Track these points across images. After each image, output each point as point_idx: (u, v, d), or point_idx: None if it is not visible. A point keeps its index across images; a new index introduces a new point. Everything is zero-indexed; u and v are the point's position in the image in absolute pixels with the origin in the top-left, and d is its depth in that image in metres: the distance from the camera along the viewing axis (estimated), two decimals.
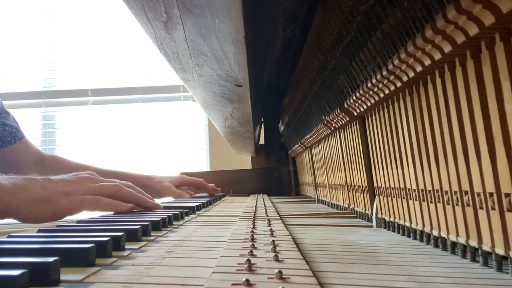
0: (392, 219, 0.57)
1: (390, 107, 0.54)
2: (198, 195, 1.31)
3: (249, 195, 1.52)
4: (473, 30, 0.32)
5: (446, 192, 0.41)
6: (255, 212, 0.71)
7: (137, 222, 0.50)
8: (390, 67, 0.46)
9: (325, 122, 0.84)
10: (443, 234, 0.42)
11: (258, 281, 0.26)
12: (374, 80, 0.52)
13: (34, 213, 0.63)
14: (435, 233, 0.44)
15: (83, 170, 0.82)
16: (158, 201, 0.81)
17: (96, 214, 0.68)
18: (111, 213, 0.69)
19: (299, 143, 1.25)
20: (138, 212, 0.71)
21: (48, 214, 0.64)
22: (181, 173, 1.72)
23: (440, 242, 0.44)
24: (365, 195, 0.69)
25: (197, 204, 0.85)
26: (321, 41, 0.71)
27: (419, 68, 0.42)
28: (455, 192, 0.39)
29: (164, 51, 0.61)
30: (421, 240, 0.49)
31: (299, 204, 1.12)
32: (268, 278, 0.27)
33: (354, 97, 0.61)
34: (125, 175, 1.20)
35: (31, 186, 0.65)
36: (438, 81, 0.41)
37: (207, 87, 0.80)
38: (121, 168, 1.35)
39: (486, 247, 0.35)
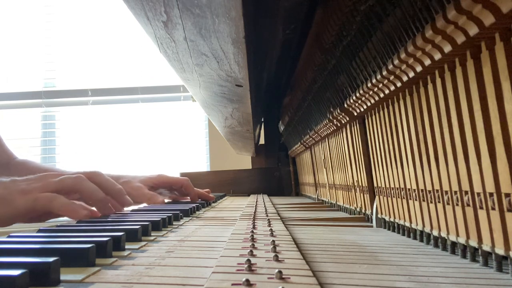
0: (392, 219, 0.57)
1: (390, 107, 0.54)
2: (166, 201, 0.99)
3: (249, 195, 1.52)
4: (473, 30, 0.32)
5: (446, 192, 0.41)
6: (255, 212, 0.71)
7: (137, 222, 0.50)
8: (390, 67, 0.46)
9: (325, 122, 0.84)
10: (443, 234, 0.42)
11: (258, 281, 0.26)
12: (374, 80, 0.52)
13: None
14: (435, 233, 0.44)
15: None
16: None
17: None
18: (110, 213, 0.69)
19: (300, 143, 1.25)
20: (138, 212, 0.71)
21: (7, 216, 0.57)
22: (181, 173, 1.71)
23: (440, 242, 0.44)
24: (365, 195, 0.69)
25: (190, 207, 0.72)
26: (321, 41, 0.71)
27: (419, 68, 0.42)
28: (455, 192, 0.39)
29: (164, 51, 0.61)
30: (421, 240, 0.49)
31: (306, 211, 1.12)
32: (268, 278, 0.27)
33: (354, 97, 0.61)
34: None
35: None
36: (438, 81, 0.41)
37: (207, 87, 0.80)
38: (121, 168, 1.32)
39: (486, 247, 0.35)
